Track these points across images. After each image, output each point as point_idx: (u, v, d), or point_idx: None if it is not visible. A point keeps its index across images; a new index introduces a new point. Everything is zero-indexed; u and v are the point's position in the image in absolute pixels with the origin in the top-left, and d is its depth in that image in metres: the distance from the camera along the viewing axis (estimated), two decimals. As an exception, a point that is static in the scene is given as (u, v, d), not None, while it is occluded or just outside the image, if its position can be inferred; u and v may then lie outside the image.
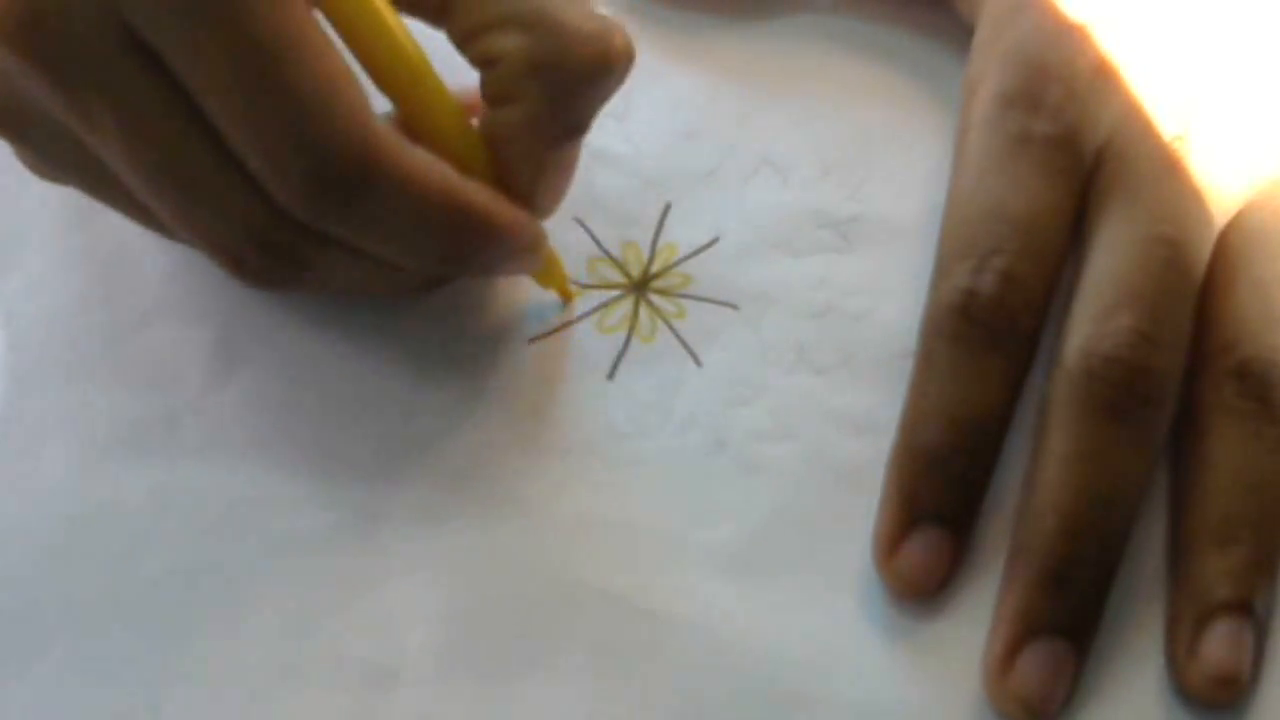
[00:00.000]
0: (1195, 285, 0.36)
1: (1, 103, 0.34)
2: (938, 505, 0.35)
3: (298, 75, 0.32)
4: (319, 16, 0.33)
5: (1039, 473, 0.35)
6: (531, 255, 0.37)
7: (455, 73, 0.36)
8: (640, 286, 0.40)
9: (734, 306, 0.39)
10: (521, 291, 0.40)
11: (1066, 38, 0.38)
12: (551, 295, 0.40)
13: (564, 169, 0.38)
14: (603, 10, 0.36)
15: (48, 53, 0.32)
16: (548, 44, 0.35)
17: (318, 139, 0.32)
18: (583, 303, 0.40)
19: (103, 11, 0.31)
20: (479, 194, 0.35)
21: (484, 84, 0.36)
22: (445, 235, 0.35)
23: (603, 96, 0.36)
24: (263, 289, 0.37)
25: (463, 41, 0.36)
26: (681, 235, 0.41)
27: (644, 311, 0.40)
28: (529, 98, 0.35)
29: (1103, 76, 0.38)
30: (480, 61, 0.35)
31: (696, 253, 0.41)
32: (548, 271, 0.39)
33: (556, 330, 0.39)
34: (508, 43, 0.35)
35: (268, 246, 0.34)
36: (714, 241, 0.41)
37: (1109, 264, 0.36)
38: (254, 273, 0.35)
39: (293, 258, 0.35)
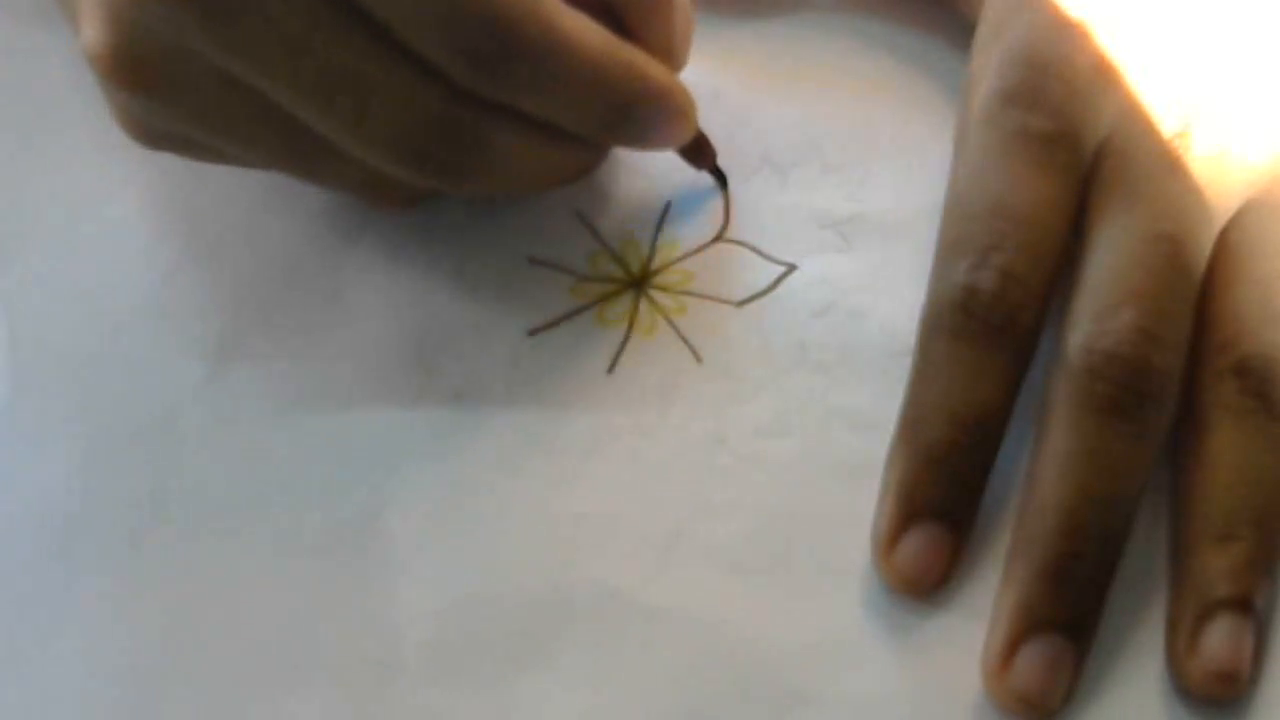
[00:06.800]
0: (1196, 283, 0.36)
1: (143, 54, 0.35)
2: (937, 501, 0.35)
3: None
4: None
5: (1039, 469, 0.35)
6: (684, 120, 0.39)
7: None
8: (640, 282, 0.40)
9: (735, 304, 0.39)
10: (522, 282, 0.40)
11: (1067, 35, 0.38)
12: (551, 288, 0.40)
13: (684, 11, 0.39)
14: None
15: None
16: None
17: (480, 6, 0.34)
18: (583, 296, 0.40)
19: None
20: (635, 52, 0.37)
21: None
22: (608, 90, 0.37)
23: None
24: (444, 187, 0.38)
25: None
26: (682, 233, 0.41)
27: (644, 307, 0.40)
28: None
29: (1103, 74, 0.38)
30: None
31: (697, 250, 0.41)
32: (698, 148, 0.40)
33: (557, 322, 0.39)
34: None
35: (445, 128, 0.36)
36: (715, 239, 0.41)
37: (1110, 261, 0.36)
38: (435, 166, 0.36)
39: (471, 136, 0.36)
